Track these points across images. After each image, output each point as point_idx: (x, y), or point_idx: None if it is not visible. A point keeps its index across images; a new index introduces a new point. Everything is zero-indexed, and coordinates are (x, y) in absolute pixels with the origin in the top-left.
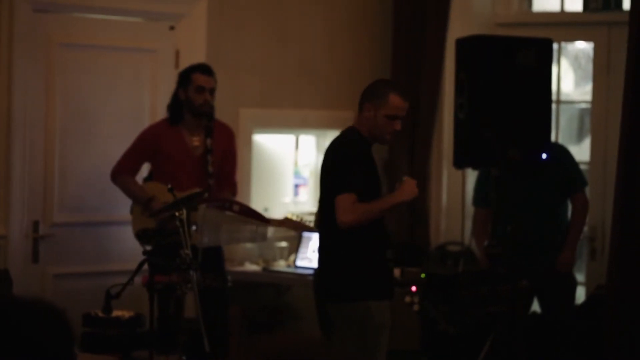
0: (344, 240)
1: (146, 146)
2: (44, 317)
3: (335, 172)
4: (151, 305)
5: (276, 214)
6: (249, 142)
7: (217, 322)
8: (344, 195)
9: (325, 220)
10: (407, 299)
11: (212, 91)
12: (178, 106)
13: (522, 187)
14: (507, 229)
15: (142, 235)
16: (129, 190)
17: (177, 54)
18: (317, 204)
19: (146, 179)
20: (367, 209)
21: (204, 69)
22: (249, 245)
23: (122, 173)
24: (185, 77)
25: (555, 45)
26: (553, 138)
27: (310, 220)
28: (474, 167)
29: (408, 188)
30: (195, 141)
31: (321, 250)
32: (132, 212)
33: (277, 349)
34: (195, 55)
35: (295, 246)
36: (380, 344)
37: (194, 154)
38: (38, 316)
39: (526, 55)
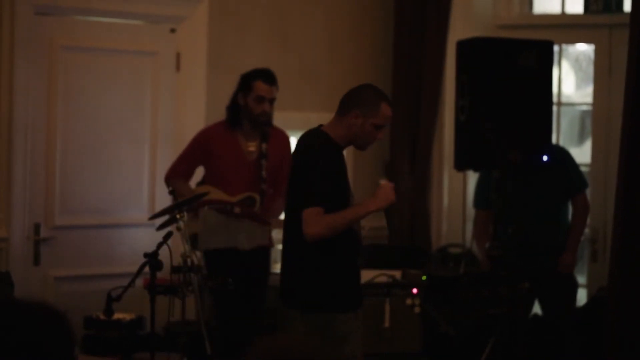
0: (311, 247)
1: (200, 149)
2: (45, 319)
3: (302, 180)
4: (152, 308)
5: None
6: None
7: (251, 323)
8: (310, 209)
9: (290, 224)
10: (409, 301)
11: (272, 101)
12: (236, 110)
13: (523, 189)
14: (508, 231)
15: (193, 240)
16: (181, 194)
17: (178, 56)
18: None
19: (199, 183)
20: (335, 220)
21: (266, 77)
22: None
23: (175, 176)
24: (246, 83)
25: (556, 47)
26: (554, 140)
27: None
28: (475, 169)
29: (383, 194)
30: (251, 146)
31: (286, 254)
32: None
33: (278, 351)
34: (196, 58)
35: None
36: (346, 352)
37: (248, 159)
38: (39, 319)
39: (527, 57)
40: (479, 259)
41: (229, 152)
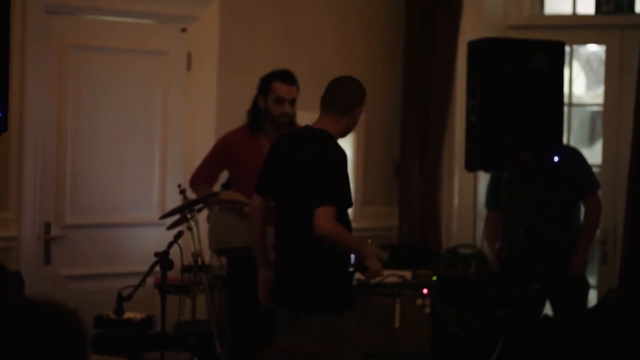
0: (322, 248)
1: (223, 155)
2: (57, 317)
3: (319, 178)
4: (163, 307)
5: None
6: None
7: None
8: (328, 206)
9: (297, 225)
10: (419, 301)
11: (292, 102)
12: (257, 114)
13: (534, 189)
14: (519, 231)
15: (220, 250)
16: None
17: (189, 56)
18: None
19: (223, 186)
20: (344, 234)
21: (284, 77)
22: None
23: (199, 182)
24: (265, 85)
25: (567, 48)
26: (565, 141)
27: None
28: (486, 170)
29: (378, 266)
30: None
31: (288, 255)
32: (208, 220)
33: (281, 352)
34: (207, 57)
35: None
36: (348, 351)
37: None
38: (50, 317)
39: (538, 57)
40: (489, 259)
41: (253, 157)
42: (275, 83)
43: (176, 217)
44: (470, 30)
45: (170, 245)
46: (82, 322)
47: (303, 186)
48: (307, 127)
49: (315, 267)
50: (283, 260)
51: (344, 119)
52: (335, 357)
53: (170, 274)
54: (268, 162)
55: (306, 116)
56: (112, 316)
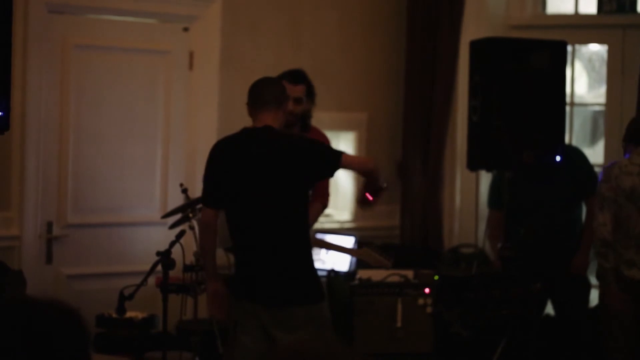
0: (302, 240)
1: None
2: (59, 317)
3: (316, 158)
4: (164, 306)
5: None
6: None
7: None
8: (345, 154)
9: (279, 221)
10: (420, 301)
11: (298, 100)
12: None
13: (536, 189)
14: (521, 231)
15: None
16: None
17: (191, 55)
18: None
19: None
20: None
21: (290, 76)
22: None
23: None
24: None
25: (569, 48)
26: (567, 140)
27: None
28: (488, 170)
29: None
30: None
31: (268, 254)
32: None
33: (282, 352)
34: (209, 56)
35: None
36: (331, 338)
37: None
38: (53, 316)
39: (540, 57)
40: (491, 259)
41: None
42: (282, 82)
43: (178, 216)
44: (472, 30)
45: (172, 244)
46: (84, 322)
47: (279, 182)
48: (248, 129)
49: (295, 261)
50: (255, 260)
51: (279, 112)
52: (339, 357)
53: (172, 273)
54: (214, 174)
55: None
56: (114, 315)
